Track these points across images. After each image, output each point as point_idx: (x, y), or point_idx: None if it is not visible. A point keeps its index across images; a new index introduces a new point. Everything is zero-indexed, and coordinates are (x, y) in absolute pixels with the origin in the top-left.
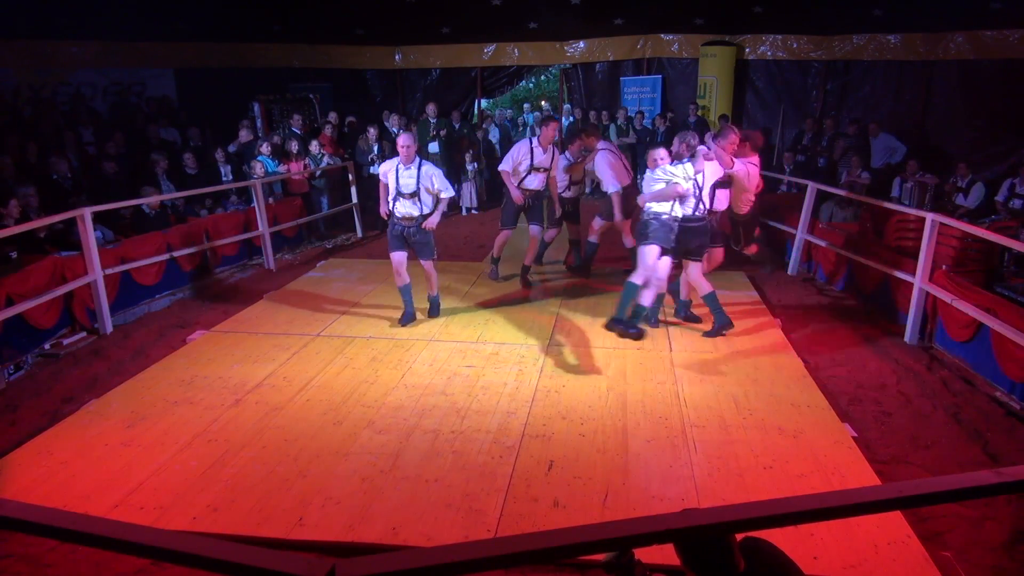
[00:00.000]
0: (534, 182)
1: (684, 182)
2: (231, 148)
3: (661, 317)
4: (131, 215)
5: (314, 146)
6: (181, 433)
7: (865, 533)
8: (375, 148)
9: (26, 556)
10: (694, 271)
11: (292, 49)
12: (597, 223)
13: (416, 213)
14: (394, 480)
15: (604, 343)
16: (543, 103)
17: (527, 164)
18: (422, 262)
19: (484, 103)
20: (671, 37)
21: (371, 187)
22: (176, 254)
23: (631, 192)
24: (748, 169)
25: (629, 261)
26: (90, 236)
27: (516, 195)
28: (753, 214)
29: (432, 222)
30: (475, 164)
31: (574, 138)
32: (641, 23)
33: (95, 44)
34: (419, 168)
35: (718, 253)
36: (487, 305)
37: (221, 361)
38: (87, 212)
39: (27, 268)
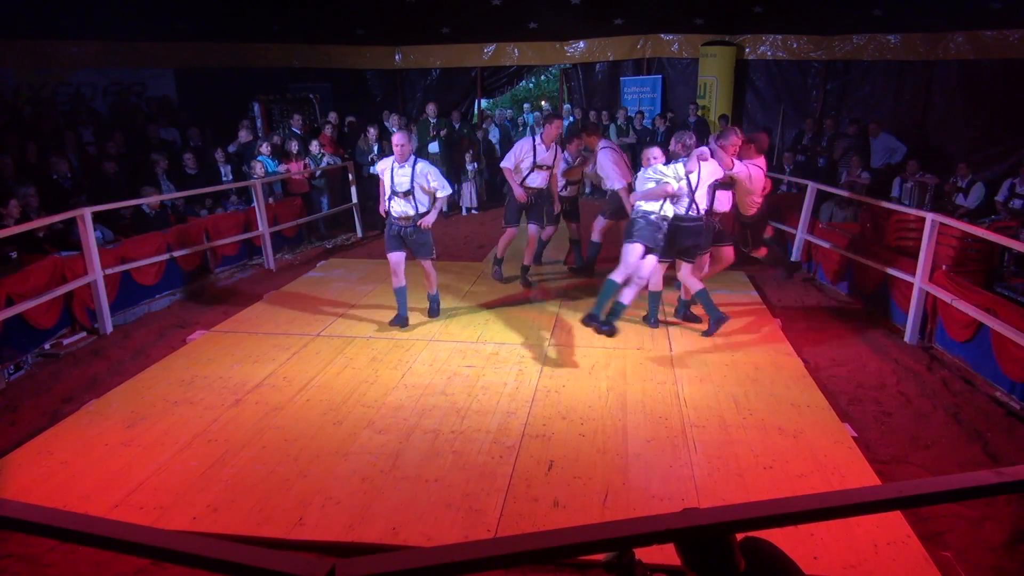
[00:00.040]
0: (537, 180)
1: (674, 182)
2: (231, 148)
3: (661, 317)
4: (131, 215)
5: (314, 146)
6: (181, 433)
7: (865, 533)
8: (375, 148)
9: (26, 556)
10: (684, 270)
11: (292, 49)
12: (600, 223)
13: (411, 212)
14: (394, 480)
15: (604, 343)
16: (543, 103)
17: (530, 161)
18: (421, 262)
19: (484, 103)
20: (671, 37)
21: (371, 187)
22: (176, 254)
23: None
24: (751, 171)
25: None
26: (90, 236)
27: (519, 192)
28: (761, 216)
29: (428, 220)
30: (475, 164)
31: (572, 137)
32: (641, 23)
33: (95, 44)
34: (413, 166)
35: (727, 252)
36: (487, 305)
37: (221, 361)
38: (87, 212)
39: (27, 268)
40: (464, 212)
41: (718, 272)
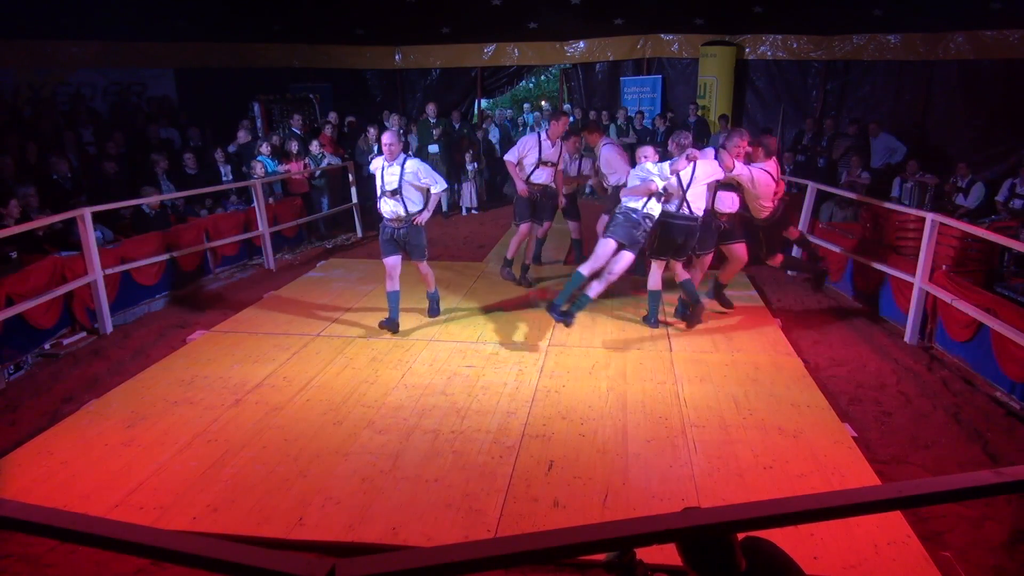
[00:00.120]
0: (542, 176)
1: (658, 180)
2: (231, 148)
3: (661, 317)
4: (131, 215)
5: (314, 146)
6: (181, 433)
7: (865, 533)
8: (375, 148)
9: (26, 556)
10: (677, 266)
11: (292, 49)
12: (604, 221)
13: (401, 212)
14: (394, 480)
15: (604, 343)
16: (543, 103)
17: (534, 157)
18: (416, 264)
19: (484, 103)
20: (671, 37)
21: (371, 187)
22: (176, 254)
23: None
24: (753, 175)
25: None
26: (90, 236)
27: (521, 188)
28: (775, 222)
29: (423, 217)
30: (475, 164)
31: (571, 135)
32: (641, 23)
33: (95, 44)
34: (402, 165)
35: (739, 250)
36: (487, 305)
37: (221, 361)
38: (87, 212)
39: (27, 268)
40: (464, 212)
41: (736, 272)
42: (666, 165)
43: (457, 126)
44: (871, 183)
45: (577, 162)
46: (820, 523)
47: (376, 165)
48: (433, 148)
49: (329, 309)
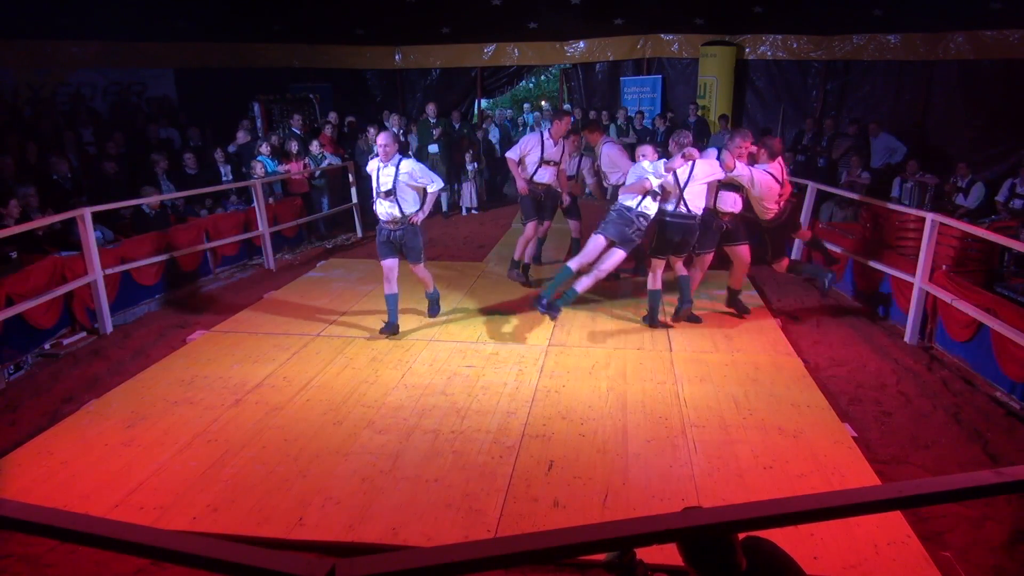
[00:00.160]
0: (545, 176)
1: (653, 178)
2: (231, 148)
3: (661, 317)
4: (131, 215)
5: (315, 146)
6: (181, 433)
7: (865, 533)
8: (375, 148)
9: (26, 556)
10: (677, 264)
11: (292, 49)
12: None
13: (397, 214)
14: (394, 480)
15: (604, 343)
16: (543, 103)
17: (537, 156)
18: (412, 267)
19: (484, 103)
20: (671, 37)
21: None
22: (176, 254)
23: None
24: (754, 176)
25: (632, 260)
26: (90, 236)
27: (521, 186)
28: (781, 224)
29: (420, 216)
30: (475, 164)
31: (571, 133)
32: (641, 23)
33: (95, 44)
34: (397, 166)
35: (742, 251)
36: (487, 305)
37: (221, 361)
38: (87, 212)
39: (27, 268)
40: (464, 212)
41: (743, 275)
42: (661, 163)
43: (457, 126)
44: (871, 183)
45: (577, 161)
46: (820, 523)
47: (372, 167)
48: (433, 148)
49: (329, 309)
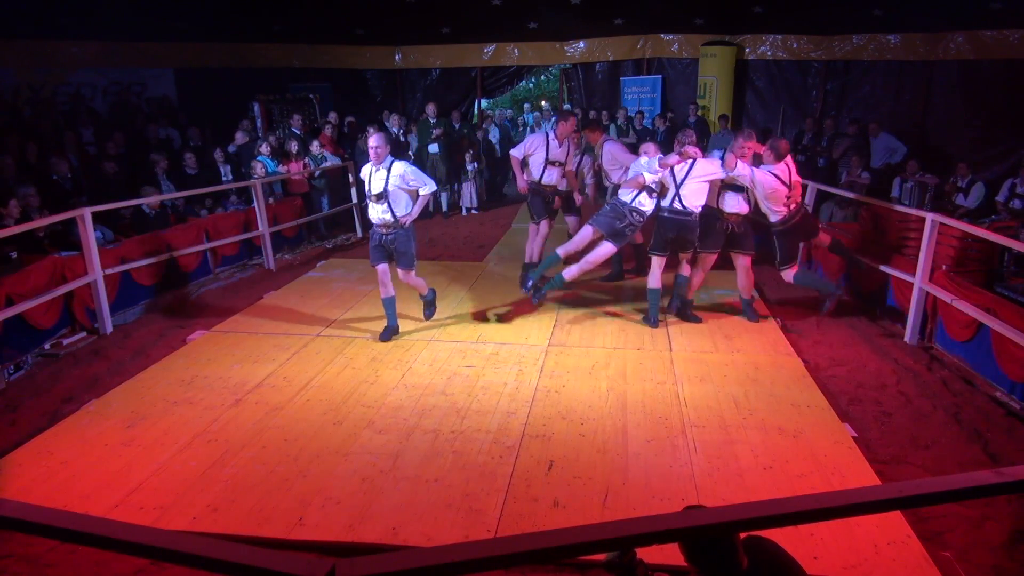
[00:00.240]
0: (552, 176)
1: (647, 174)
2: (231, 148)
3: (661, 317)
4: (131, 215)
5: (315, 146)
6: (181, 433)
7: (865, 533)
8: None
9: (26, 556)
10: (656, 268)
11: (292, 49)
12: None
13: (389, 218)
14: (394, 480)
15: (604, 343)
16: (543, 103)
17: (542, 156)
18: (400, 272)
19: (484, 103)
20: (671, 37)
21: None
22: (176, 254)
23: None
24: (757, 176)
25: (633, 260)
26: (90, 236)
27: (521, 185)
28: (791, 228)
29: (409, 218)
30: (475, 164)
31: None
32: (641, 23)
33: (95, 44)
34: (388, 168)
35: (744, 261)
36: (487, 305)
37: (221, 361)
38: (87, 212)
39: (27, 268)
40: (464, 212)
41: (751, 284)
42: (655, 160)
43: (457, 126)
44: (871, 183)
45: (577, 159)
46: (820, 523)
47: (366, 171)
48: (433, 148)
49: (329, 309)
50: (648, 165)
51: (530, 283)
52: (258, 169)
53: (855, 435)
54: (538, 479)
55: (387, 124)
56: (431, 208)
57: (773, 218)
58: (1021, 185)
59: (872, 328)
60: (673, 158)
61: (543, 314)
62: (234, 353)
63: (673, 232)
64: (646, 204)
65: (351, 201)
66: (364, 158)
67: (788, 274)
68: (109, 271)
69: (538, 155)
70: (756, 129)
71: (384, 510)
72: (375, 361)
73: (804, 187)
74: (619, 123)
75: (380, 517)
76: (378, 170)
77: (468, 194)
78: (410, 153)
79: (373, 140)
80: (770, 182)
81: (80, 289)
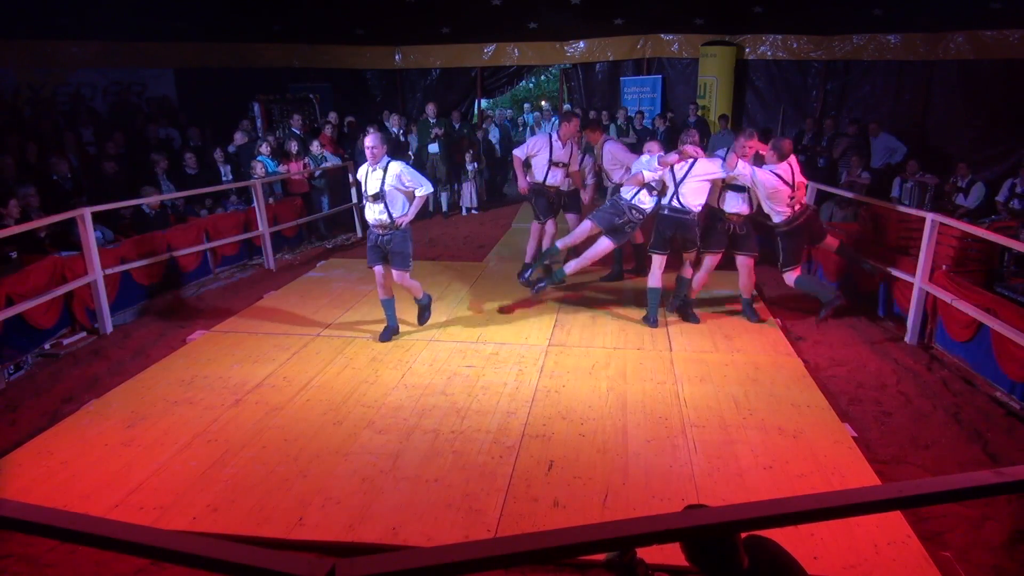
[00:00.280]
0: (556, 178)
1: (646, 172)
2: (231, 148)
3: (660, 317)
4: (131, 215)
5: (315, 146)
6: (181, 433)
7: (865, 533)
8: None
9: (26, 556)
10: (656, 267)
11: (292, 49)
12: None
13: (386, 218)
14: (394, 480)
15: (604, 343)
16: (543, 103)
17: (546, 157)
18: (394, 273)
19: (484, 103)
20: (671, 37)
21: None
22: (176, 254)
23: None
24: (757, 175)
25: (633, 260)
26: (90, 236)
27: (522, 185)
28: (795, 229)
29: (406, 219)
30: (475, 164)
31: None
32: (641, 23)
33: (95, 44)
34: (385, 168)
35: (747, 263)
36: (487, 305)
37: (221, 361)
38: (87, 212)
39: (27, 268)
40: (464, 212)
41: (752, 284)
42: (655, 158)
43: (457, 126)
44: (871, 183)
45: (580, 160)
46: (820, 523)
47: (362, 172)
48: (433, 148)
49: (329, 309)
50: (648, 163)
51: (527, 274)
52: (258, 169)
53: (855, 435)
54: (538, 479)
55: (387, 124)
56: (431, 208)
57: (776, 219)
58: (1021, 185)
59: (872, 328)
60: (672, 157)
61: (543, 314)
62: (234, 353)
63: (671, 230)
64: (645, 202)
65: (351, 201)
66: (363, 158)
67: (790, 277)
68: (109, 271)
69: (541, 156)
70: (756, 129)
71: (384, 510)
72: (375, 361)
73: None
74: (619, 123)
75: (380, 517)
76: (374, 170)
77: (468, 194)
78: (410, 153)
79: (369, 140)
80: (771, 181)
81: (80, 289)
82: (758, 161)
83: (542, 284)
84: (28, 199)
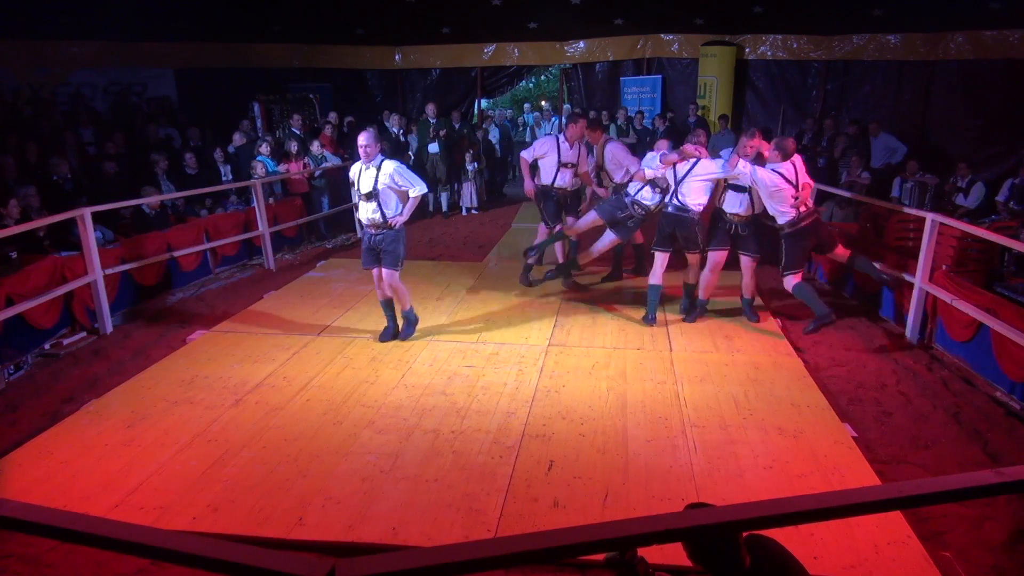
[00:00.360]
0: (564, 179)
1: (648, 169)
2: (231, 148)
3: (660, 316)
4: (131, 215)
5: (315, 146)
6: (181, 433)
7: (865, 533)
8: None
9: (26, 556)
10: (658, 265)
11: (292, 49)
12: None
13: (379, 218)
14: (394, 480)
15: (604, 343)
16: (543, 103)
17: (554, 159)
18: (383, 272)
19: (484, 103)
20: (671, 37)
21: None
22: (176, 254)
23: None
24: (758, 174)
25: (633, 260)
26: (90, 236)
27: (529, 187)
28: (795, 232)
29: (400, 219)
30: (475, 164)
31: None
32: (641, 23)
33: (95, 44)
34: (378, 167)
35: (747, 263)
36: (487, 305)
37: (221, 361)
38: (87, 212)
39: (27, 268)
40: (464, 212)
41: (755, 284)
42: (657, 156)
43: (457, 126)
44: (871, 183)
45: (587, 159)
46: (820, 523)
47: (355, 170)
48: (433, 148)
49: (329, 309)
50: (651, 160)
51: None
52: (258, 169)
53: (855, 435)
54: (538, 479)
55: (387, 124)
56: (431, 208)
57: (781, 220)
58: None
59: (872, 328)
60: (673, 156)
61: (543, 314)
62: (234, 353)
63: (670, 228)
64: (647, 198)
65: (351, 201)
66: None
67: (789, 281)
68: (109, 271)
69: (549, 158)
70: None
71: (384, 510)
72: (375, 361)
73: None
74: (619, 123)
75: (380, 517)
76: (368, 168)
77: (468, 194)
78: (410, 153)
79: (362, 138)
80: (772, 180)
81: (80, 289)
82: (760, 161)
83: (551, 274)
84: (28, 199)
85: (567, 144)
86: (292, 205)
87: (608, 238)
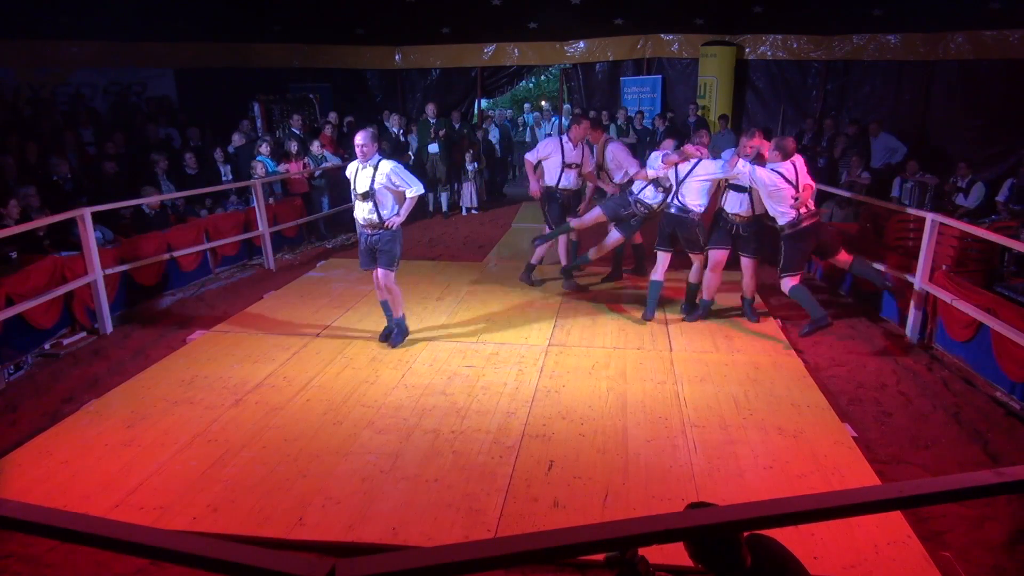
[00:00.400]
0: (569, 180)
1: (649, 169)
2: (231, 149)
3: (660, 315)
4: (131, 215)
5: (315, 146)
6: (181, 433)
7: (865, 533)
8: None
9: (26, 556)
10: (660, 263)
11: (292, 49)
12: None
13: (375, 218)
14: (394, 480)
15: (604, 343)
16: (543, 103)
17: (558, 160)
18: (379, 270)
19: (484, 103)
20: (671, 37)
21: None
22: (176, 254)
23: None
24: (757, 173)
25: (633, 261)
26: (90, 236)
27: (534, 189)
28: (796, 233)
29: (396, 220)
30: (475, 164)
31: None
32: (641, 23)
33: (95, 44)
34: (375, 167)
35: (748, 264)
36: (487, 305)
37: (221, 361)
38: (87, 212)
39: (27, 268)
40: (464, 212)
41: (755, 284)
42: (659, 156)
43: (457, 126)
44: (871, 183)
45: (591, 159)
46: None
47: (351, 169)
48: (433, 148)
49: (329, 309)
50: (653, 160)
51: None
52: (258, 169)
53: (855, 435)
54: (538, 479)
55: (387, 124)
56: (431, 208)
57: (781, 220)
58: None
59: (872, 328)
60: (674, 157)
61: (543, 314)
62: (234, 353)
63: (670, 227)
64: (650, 197)
65: (351, 201)
66: None
67: (786, 283)
68: (109, 271)
69: (554, 159)
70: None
71: (384, 510)
72: (375, 361)
73: None
74: (619, 123)
75: (380, 517)
76: (364, 167)
77: (468, 194)
78: (410, 153)
79: (359, 138)
80: (771, 179)
81: (80, 289)
82: (760, 161)
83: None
84: (28, 199)
85: (571, 145)
86: (292, 205)
87: (614, 235)
